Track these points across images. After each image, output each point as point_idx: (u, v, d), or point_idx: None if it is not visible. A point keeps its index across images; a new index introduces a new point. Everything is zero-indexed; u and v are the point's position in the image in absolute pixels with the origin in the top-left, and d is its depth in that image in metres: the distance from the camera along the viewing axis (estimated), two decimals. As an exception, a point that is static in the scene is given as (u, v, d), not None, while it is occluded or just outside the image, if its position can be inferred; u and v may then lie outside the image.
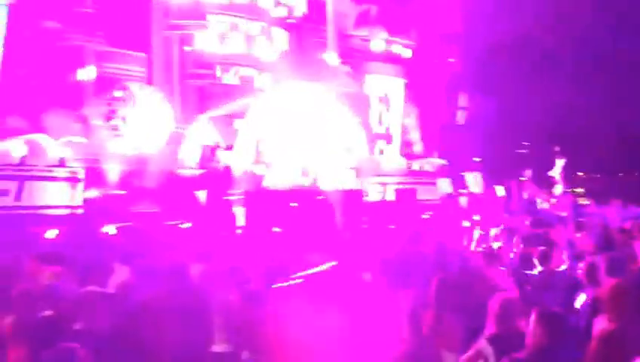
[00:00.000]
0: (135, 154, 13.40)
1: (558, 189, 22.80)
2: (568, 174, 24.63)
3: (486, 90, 26.41)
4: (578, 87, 28.42)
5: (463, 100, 25.81)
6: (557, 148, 24.34)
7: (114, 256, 7.66)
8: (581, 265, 6.13)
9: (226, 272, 6.11)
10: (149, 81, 14.91)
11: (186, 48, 16.28)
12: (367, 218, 13.31)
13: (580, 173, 34.75)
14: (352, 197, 15.43)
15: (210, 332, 5.25)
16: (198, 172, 13.90)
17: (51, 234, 9.43)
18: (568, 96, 29.48)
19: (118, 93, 13.84)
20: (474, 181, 23.31)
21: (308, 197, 13.87)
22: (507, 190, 20.32)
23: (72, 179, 11.73)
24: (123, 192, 12.44)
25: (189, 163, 14.44)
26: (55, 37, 13.44)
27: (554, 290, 6.04)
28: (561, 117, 30.88)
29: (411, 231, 8.58)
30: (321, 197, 12.82)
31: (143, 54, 15.12)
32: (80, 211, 11.52)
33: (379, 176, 18.84)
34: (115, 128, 13.62)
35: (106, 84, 14.05)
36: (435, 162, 22.87)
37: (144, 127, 14.01)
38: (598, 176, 34.90)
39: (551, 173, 23.54)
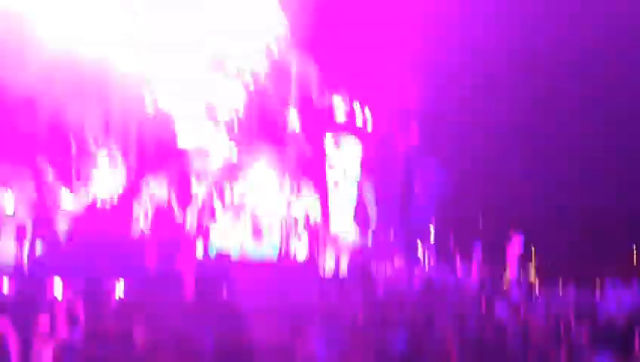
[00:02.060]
0: (86, 211, 13.76)
1: (512, 272, 23.71)
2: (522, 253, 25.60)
3: (444, 164, 27.58)
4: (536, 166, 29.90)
5: (421, 172, 26.80)
6: (514, 225, 25.34)
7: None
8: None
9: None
10: (107, 135, 15.36)
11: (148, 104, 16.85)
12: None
13: (534, 252, 35.98)
14: (307, 267, 16.06)
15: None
16: (149, 233, 14.29)
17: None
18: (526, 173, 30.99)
19: (74, 146, 14.27)
20: (428, 255, 24.18)
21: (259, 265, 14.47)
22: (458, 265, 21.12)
23: (20, 232, 12.07)
24: (70, 247, 12.77)
25: (140, 220, 14.83)
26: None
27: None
28: (519, 195, 32.27)
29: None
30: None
31: (101, 108, 15.62)
32: (25, 264, 11.81)
33: (333, 246, 19.49)
34: (68, 180, 13.99)
35: (61, 139, 14.44)
36: (389, 233, 23.67)
37: (98, 181, 14.42)
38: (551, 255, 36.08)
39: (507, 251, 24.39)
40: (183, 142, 17.47)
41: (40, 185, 13.81)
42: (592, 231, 32.76)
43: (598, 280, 23.41)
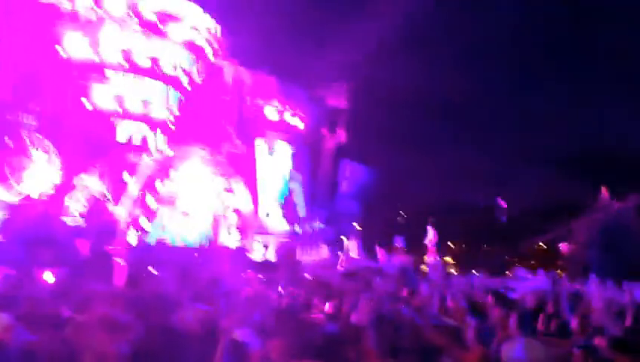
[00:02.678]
0: (19, 201, 13.20)
1: (430, 257, 24.23)
2: (440, 243, 26.25)
3: (368, 161, 28.08)
4: (450, 163, 30.85)
5: (346, 170, 27.13)
6: (431, 219, 25.96)
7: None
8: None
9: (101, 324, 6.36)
10: (42, 132, 14.83)
11: (83, 100, 16.37)
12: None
13: (450, 244, 37.03)
14: (237, 254, 15.95)
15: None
16: (81, 221, 13.85)
17: None
18: (443, 168, 31.84)
19: (8, 142, 13.71)
20: (352, 246, 24.43)
21: (190, 253, 14.25)
22: (380, 256, 21.36)
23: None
24: (2, 239, 12.23)
25: (74, 212, 14.37)
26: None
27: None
28: (436, 189, 33.12)
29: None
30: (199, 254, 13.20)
31: (37, 105, 15.08)
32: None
33: (262, 235, 19.47)
34: (2, 174, 13.41)
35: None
36: (316, 226, 23.84)
37: (31, 175, 13.89)
38: (464, 246, 37.30)
39: (424, 241, 24.95)
40: (117, 137, 17.04)
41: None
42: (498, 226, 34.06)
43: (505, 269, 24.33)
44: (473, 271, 24.80)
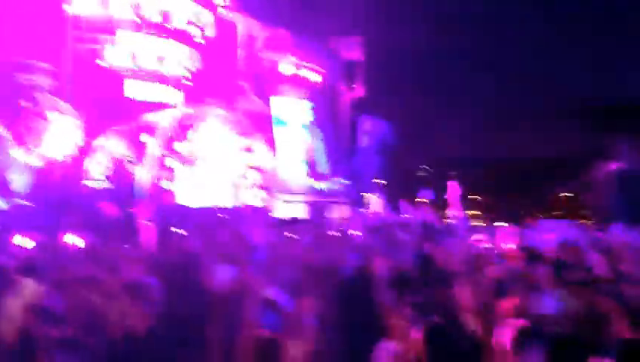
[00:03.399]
0: (41, 165, 13.39)
1: (453, 211, 24.29)
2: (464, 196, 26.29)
3: (388, 116, 27.96)
4: (474, 114, 30.61)
5: (366, 124, 27.05)
6: (452, 173, 25.95)
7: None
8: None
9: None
10: (58, 93, 14.92)
11: (98, 62, 16.41)
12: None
13: (474, 196, 37.05)
14: (261, 212, 16.13)
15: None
16: (104, 184, 14.04)
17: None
18: (464, 123, 31.60)
19: (25, 104, 13.83)
20: (375, 201, 24.54)
21: (213, 214, 14.42)
22: (404, 210, 21.44)
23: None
24: (28, 203, 12.45)
25: (95, 175, 14.55)
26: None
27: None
28: (457, 143, 32.97)
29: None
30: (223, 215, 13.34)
31: (52, 66, 15.14)
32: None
33: (285, 193, 19.62)
34: (21, 138, 13.57)
35: (13, 95, 13.98)
36: (338, 182, 23.94)
37: (51, 138, 14.04)
38: (489, 198, 37.31)
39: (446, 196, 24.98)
40: (133, 97, 17.08)
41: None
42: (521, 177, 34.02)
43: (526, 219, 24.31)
44: (498, 222, 24.80)
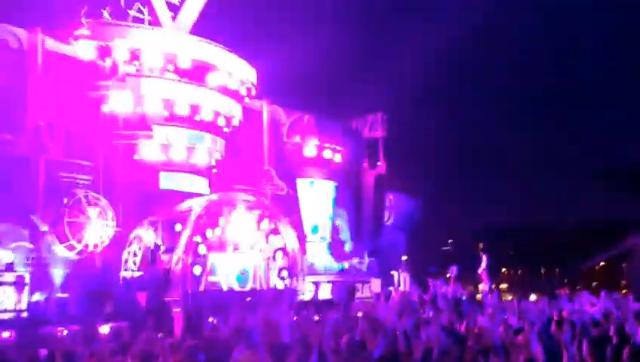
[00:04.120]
0: (79, 258, 14.22)
1: (484, 285, 24.27)
2: (492, 270, 26.24)
3: (410, 191, 28.47)
4: (499, 184, 30.99)
5: (389, 201, 27.51)
6: (481, 245, 26.02)
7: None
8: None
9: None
10: (95, 188, 15.91)
11: (135, 157, 17.52)
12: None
13: (504, 269, 36.78)
14: (288, 294, 16.62)
15: None
16: (139, 274, 14.75)
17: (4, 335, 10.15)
18: (488, 193, 31.95)
19: (65, 200, 14.79)
20: (402, 278, 24.79)
21: (243, 296, 15.00)
22: (432, 287, 21.56)
23: (18, 284, 12.51)
24: (66, 295, 13.20)
25: (131, 265, 15.30)
26: (7, 148, 14.39)
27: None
28: (483, 214, 33.18)
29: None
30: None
31: (89, 163, 16.21)
32: (25, 314, 12.22)
33: (311, 274, 20.10)
34: (62, 234, 14.44)
35: (53, 192, 14.96)
36: (365, 261, 24.35)
37: (89, 232, 14.89)
38: (520, 271, 36.96)
39: (478, 270, 24.90)
40: (165, 187, 18.00)
41: (36, 239, 14.26)
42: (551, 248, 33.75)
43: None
44: (532, 295, 24.69)
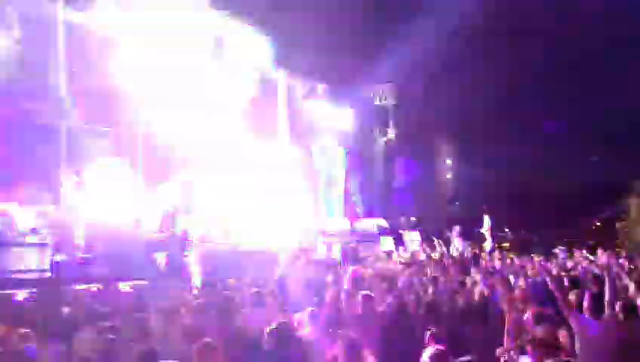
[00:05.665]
0: (101, 220, 13.59)
1: (488, 245, 23.61)
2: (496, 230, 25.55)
3: (419, 157, 27.82)
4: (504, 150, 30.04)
5: (399, 166, 26.97)
6: (484, 207, 25.33)
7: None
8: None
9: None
10: (116, 153, 15.28)
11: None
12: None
13: (506, 230, 35.96)
14: (303, 253, 15.94)
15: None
16: (158, 235, 14.13)
17: (21, 296, 9.54)
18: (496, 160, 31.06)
19: (86, 165, 14.18)
20: (412, 239, 24.10)
21: (261, 257, 14.34)
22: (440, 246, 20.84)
23: (41, 245, 11.90)
24: (89, 256, 12.59)
25: (150, 226, 14.68)
26: (30, 115, 13.77)
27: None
28: (489, 178, 32.30)
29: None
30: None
31: (109, 129, 15.55)
32: (47, 274, 11.63)
33: (325, 235, 19.46)
34: (82, 196, 13.85)
35: (75, 157, 14.37)
36: (377, 223, 23.67)
37: (110, 195, 14.29)
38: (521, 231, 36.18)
39: (481, 230, 24.27)
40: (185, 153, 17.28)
41: (58, 201, 13.69)
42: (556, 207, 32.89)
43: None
44: (532, 255, 23.86)
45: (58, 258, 11.81)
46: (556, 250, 17.86)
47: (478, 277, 9.33)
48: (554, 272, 9.94)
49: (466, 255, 18.34)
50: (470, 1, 23.19)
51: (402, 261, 15.73)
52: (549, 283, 6.36)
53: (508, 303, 6.79)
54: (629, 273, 9.46)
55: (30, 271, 11.49)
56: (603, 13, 24.65)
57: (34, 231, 12.21)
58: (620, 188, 29.23)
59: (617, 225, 32.18)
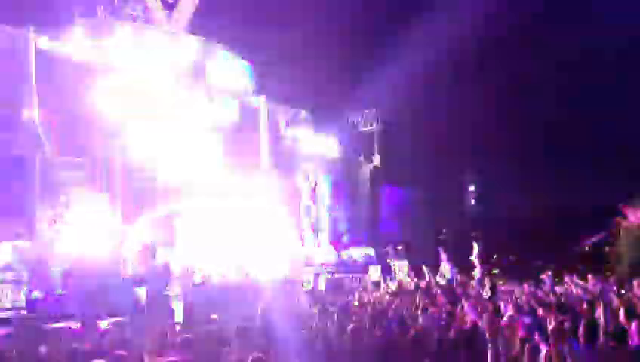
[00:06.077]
0: (78, 255, 13.48)
1: (477, 272, 23.68)
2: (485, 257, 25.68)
3: (405, 183, 27.95)
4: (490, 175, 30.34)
5: (384, 193, 27.07)
6: (473, 234, 25.52)
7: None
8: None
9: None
10: (93, 185, 15.21)
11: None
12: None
13: (495, 256, 36.15)
14: (290, 285, 15.90)
15: None
16: (138, 269, 14.02)
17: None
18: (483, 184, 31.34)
19: (62, 198, 14.08)
20: (400, 268, 24.12)
21: (243, 288, 14.28)
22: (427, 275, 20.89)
23: (17, 282, 11.77)
24: (66, 292, 12.46)
25: (129, 261, 14.56)
26: (3, 147, 13.71)
27: None
28: (476, 204, 32.57)
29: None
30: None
31: (85, 160, 15.51)
32: (24, 312, 11.49)
33: (311, 266, 19.43)
34: (58, 231, 13.75)
35: (50, 190, 14.28)
36: (364, 251, 23.68)
37: (87, 229, 14.20)
38: (511, 257, 36.39)
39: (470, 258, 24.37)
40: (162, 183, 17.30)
41: (34, 238, 13.58)
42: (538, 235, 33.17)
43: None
44: (522, 281, 23.94)
45: (34, 295, 11.68)
46: (543, 276, 18.00)
47: (467, 305, 9.41)
48: (543, 299, 10.11)
49: (454, 283, 18.45)
50: (457, 26, 23.73)
51: (390, 291, 15.76)
52: (538, 310, 6.47)
53: (494, 331, 6.88)
54: (619, 298, 9.58)
55: (5, 309, 11.33)
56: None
57: (8, 267, 12.10)
58: (609, 211, 29.58)
59: (606, 249, 32.49)
